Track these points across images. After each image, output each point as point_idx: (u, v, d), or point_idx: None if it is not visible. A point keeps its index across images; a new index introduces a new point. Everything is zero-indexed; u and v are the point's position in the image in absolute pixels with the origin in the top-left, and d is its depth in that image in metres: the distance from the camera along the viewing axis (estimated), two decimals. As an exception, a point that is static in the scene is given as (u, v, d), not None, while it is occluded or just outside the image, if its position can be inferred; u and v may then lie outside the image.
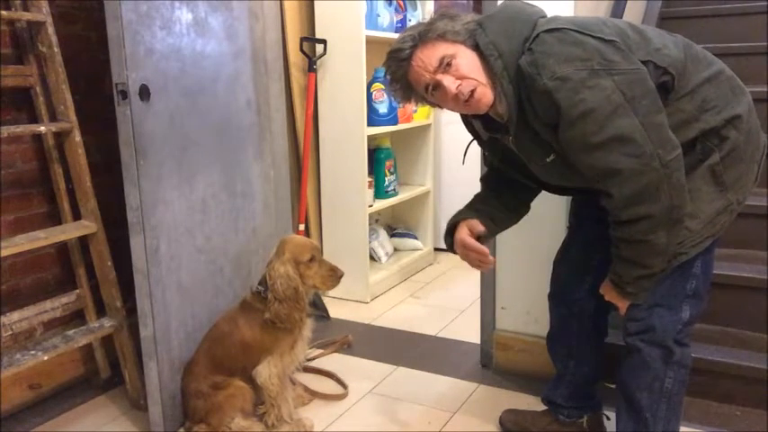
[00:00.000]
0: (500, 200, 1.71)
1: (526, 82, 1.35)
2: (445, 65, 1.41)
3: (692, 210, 1.39)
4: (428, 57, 1.42)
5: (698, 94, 1.41)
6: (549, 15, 1.45)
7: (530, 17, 1.41)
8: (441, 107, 1.52)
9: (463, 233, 1.62)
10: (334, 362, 2.49)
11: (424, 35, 1.43)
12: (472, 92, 1.40)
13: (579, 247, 1.77)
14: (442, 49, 1.41)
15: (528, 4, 1.48)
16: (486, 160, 1.77)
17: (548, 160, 1.46)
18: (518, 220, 1.76)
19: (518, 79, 1.37)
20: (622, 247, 1.40)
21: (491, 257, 1.60)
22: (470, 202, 1.73)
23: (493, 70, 1.39)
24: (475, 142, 1.71)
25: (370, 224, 3.19)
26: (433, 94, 1.46)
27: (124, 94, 1.78)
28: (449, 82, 1.41)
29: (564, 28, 1.33)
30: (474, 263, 1.63)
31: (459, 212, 1.69)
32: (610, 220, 1.40)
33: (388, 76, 1.51)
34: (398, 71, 1.47)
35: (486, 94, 1.41)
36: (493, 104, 1.43)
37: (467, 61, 1.41)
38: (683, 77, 1.40)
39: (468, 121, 1.65)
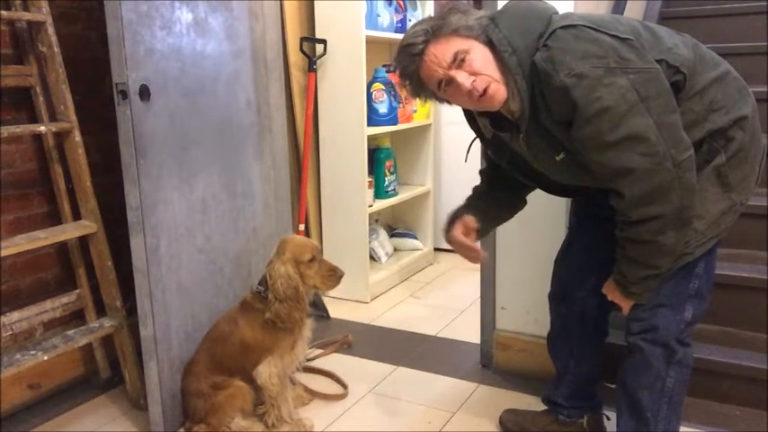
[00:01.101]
0: (497, 195, 1.72)
1: (541, 78, 1.34)
2: (459, 60, 1.39)
3: (698, 210, 1.39)
4: (441, 52, 1.40)
5: (706, 95, 1.41)
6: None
7: (543, 13, 1.40)
8: (450, 103, 1.51)
9: (456, 231, 1.65)
10: (334, 362, 2.49)
11: (438, 30, 1.41)
12: (486, 88, 1.39)
13: (580, 247, 1.77)
14: (455, 45, 1.39)
15: (537, 0, 1.47)
16: (485, 153, 1.76)
17: (557, 159, 1.45)
18: (513, 214, 1.78)
19: (532, 76, 1.36)
20: (629, 248, 1.40)
21: (482, 253, 1.65)
22: (469, 198, 1.74)
23: (507, 66, 1.37)
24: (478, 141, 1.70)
25: (370, 224, 3.19)
26: (446, 90, 1.44)
27: (124, 94, 1.78)
28: (462, 78, 1.39)
29: (579, 25, 1.33)
30: (467, 258, 1.68)
31: (458, 209, 1.70)
32: (618, 220, 1.40)
33: (399, 71, 1.48)
34: (410, 66, 1.45)
35: (499, 91, 1.40)
36: (506, 101, 1.43)
37: (480, 57, 1.39)
38: (693, 77, 1.40)
39: (471, 118, 1.64)
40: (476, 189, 1.77)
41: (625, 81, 1.29)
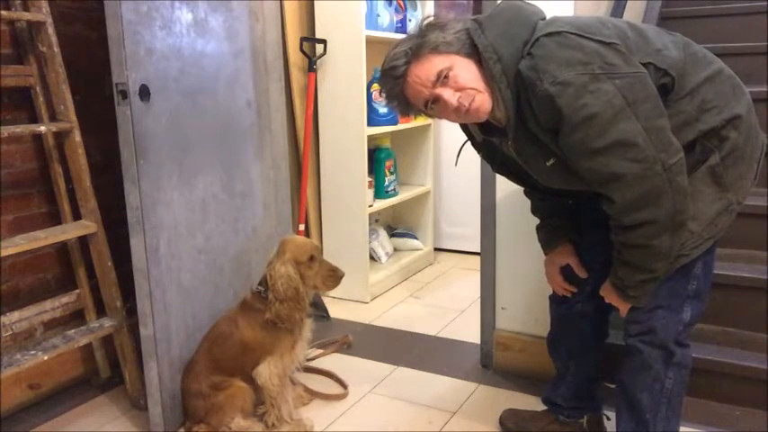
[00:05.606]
0: (557, 203, 1.76)
1: (526, 87, 1.34)
2: (443, 78, 1.39)
3: (692, 212, 1.38)
4: (424, 72, 1.40)
5: (698, 95, 1.40)
6: (548, 16, 1.44)
7: (529, 19, 1.40)
8: (440, 118, 1.52)
9: (554, 270, 1.76)
10: (334, 362, 2.49)
11: (417, 50, 1.41)
12: (471, 102, 1.40)
13: (581, 249, 1.76)
14: (437, 63, 1.39)
15: (527, 3, 1.46)
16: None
17: (548, 164, 1.45)
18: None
19: (517, 83, 1.36)
20: (624, 252, 1.40)
21: (572, 289, 1.75)
22: (545, 224, 1.78)
23: (491, 73, 1.38)
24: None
25: (370, 224, 3.19)
26: (433, 108, 1.45)
27: (124, 94, 1.78)
28: (449, 95, 1.40)
29: (564, 31, 1.32)
30: (557, 290, 1.80)
31: (552, 237, 1.77)
32: (612, 225, 1.40)
33: (385, 93, 1.50)
34: (395, 88, 1.46)
35: (484, 102, 1.41)
36: (491, 110, 1.43)
37: (464, 72, 1.40)
38: (683, 78, 1.40)
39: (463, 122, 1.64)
40: (541, 210, 1.79)
41: (611, 86, 1.28)
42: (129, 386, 2.18)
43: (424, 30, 1.43)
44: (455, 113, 1.43)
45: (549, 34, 1.32)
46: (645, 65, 1.35)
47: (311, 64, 2.92)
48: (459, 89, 1.40)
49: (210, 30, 2.07)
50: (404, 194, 3.50)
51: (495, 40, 1.37)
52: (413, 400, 2.20)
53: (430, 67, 1.40)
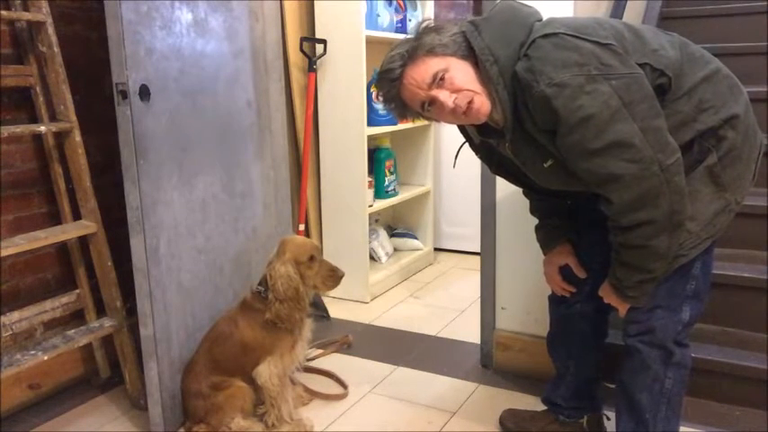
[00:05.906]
0: (556, 203, 1.76)
1: (523, 88, 1.34)
2: (438, 80, 1.39)
3: (691, 212, 1.38)
4: (420, 74, 1.40)
5: (695, 95, 1.40)
6: (545, 17, 1.44)
7: (525, 20, 1.40)
8: (438, 121, 1.52)
9: (552, 270, 1.76)
10: (334, 362, 2.49)
11: (413, 52, 1.41)
12: (470, 103, 1.39)
13: (580, 250, 1.76)
14: (433, 65, 1.39)
15: (524, 4, 1.46)
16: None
17: (545, 165, 1.46)
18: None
19: (513, 85, 1.36)
20: (623, 252, 1.40)
21: (571, 289, 1.75)
22: (545, 224, 1.78)
23: (488, 75, 1.38)
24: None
25: (370, 224, 3.19)
26: (429, 110, 1.45)
27: (124, 94, 1.78)
28: (445, 96, 1.39)
29: (560, 33, 1.32)
30: (556, 290, 1.79)
31: (551, 237, 1.76)
32: (610, 226, 1.40)
33: (381, 97, 1.50)
34: (391, 91, 1.46)
35: (484, 104, 1.41)
36: (489, 112, 1.43)
37: (460, 73, 1.40)
38: (680, 78, 1.40)
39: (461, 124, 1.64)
40: (539, 210, 1.79)
41: (607, 87, 1.28)
42: (129, 386, 2.18)
43: (421, 33, 1.43)
44: (452, 115, 1.43)
45: (546, 35, 1.33)
46: (641, 65, 1.35)
47: (311, 64, 2.92)
48: (455, 91, 1.40)
49: (210, 30, 2.07)
50: (404, 194, 3.50)
51: (491, 42, 1.37)
52: (413, 400, 2.20)
53: (425, 69, 1.40)
